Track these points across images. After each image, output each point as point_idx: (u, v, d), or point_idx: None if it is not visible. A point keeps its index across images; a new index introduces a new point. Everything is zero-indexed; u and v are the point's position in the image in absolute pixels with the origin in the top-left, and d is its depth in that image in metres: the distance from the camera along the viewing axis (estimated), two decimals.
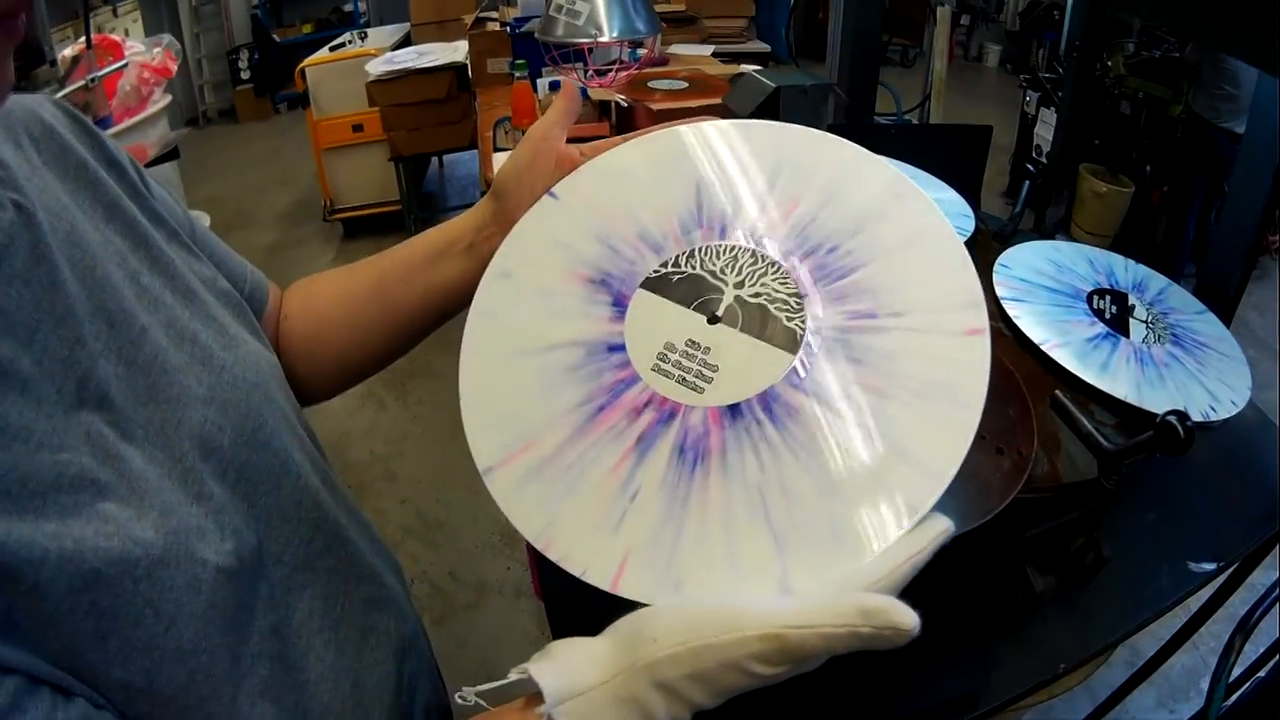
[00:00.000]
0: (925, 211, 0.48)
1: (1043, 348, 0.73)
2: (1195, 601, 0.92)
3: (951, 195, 1.01)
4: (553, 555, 0.44)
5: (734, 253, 0.51)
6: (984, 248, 0.91)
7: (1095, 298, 0.83)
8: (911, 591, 0.40)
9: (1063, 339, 0.75)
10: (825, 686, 0.64)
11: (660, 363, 0.48)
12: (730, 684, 0.38)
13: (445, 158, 4.83)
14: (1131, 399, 0.70)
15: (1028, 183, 0.89)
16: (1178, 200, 3.30)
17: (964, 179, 1.07)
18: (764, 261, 0.49)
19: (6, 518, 0.36)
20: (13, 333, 0.40)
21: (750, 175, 0.54)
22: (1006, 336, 0.76)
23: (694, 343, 0.48)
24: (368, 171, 4.04)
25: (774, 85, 1.03)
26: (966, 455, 0.41)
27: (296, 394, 0.64)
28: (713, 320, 0.48)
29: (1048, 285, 0.83)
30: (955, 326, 0.43)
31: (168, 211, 0.58)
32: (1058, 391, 0.67)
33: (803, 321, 0.46)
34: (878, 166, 0.51)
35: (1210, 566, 0.77)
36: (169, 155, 2.89)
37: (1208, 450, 0.86)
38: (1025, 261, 0.87)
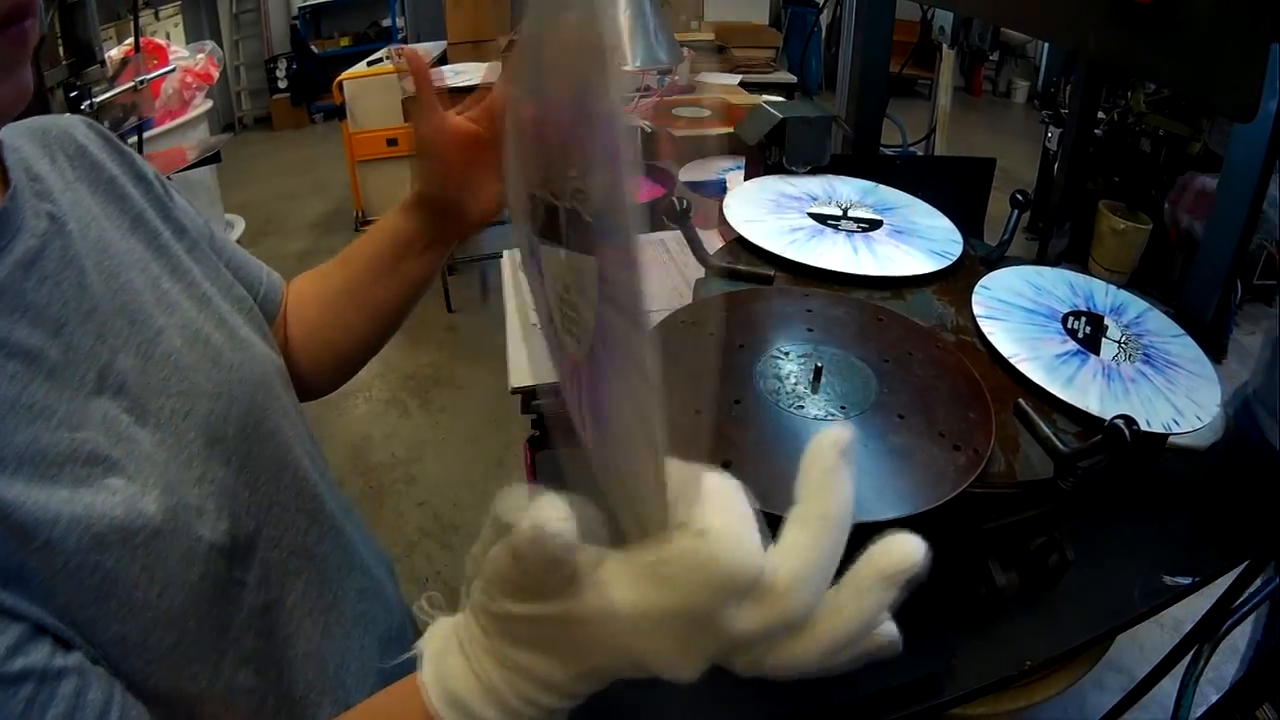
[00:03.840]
0: None
1: (1011, 361, 0.79)
2: (1189, 623, 0.95)
3: (944, 223, 1.07)
4: None
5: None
6: (969, 271, 0.97)
7: (1070, 318, 0.89)
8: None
9: (1032, 354, 0.80)
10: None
11: (562, 319, 0.41)
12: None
13: None
14: (1093, 410, 0.74)
15: (1015, 211, 0.93)
16: (1195, 238, 3.31)
17: (966, 209, 1.13)
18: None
19: (27, 483, 0.41)
20: (43, 325, 0.46)
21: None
22: (980, 350, 0.81)
23: (567, 286, 0.39)
24: (400, 184, 4.12)
25: (780, 116, 1.10)
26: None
27: (303, 387, 0.70)
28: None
29: (1025, 306, 0.89)
30: None
31: (189, 222, 0.64)
32: (1020, 399, 0.73)
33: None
34: None
35: (1185, 580, 0.80)
36: (211, 159, 2.93)
37: (1194, 472, 0.89)
38: (1006, 284, 0.92)
